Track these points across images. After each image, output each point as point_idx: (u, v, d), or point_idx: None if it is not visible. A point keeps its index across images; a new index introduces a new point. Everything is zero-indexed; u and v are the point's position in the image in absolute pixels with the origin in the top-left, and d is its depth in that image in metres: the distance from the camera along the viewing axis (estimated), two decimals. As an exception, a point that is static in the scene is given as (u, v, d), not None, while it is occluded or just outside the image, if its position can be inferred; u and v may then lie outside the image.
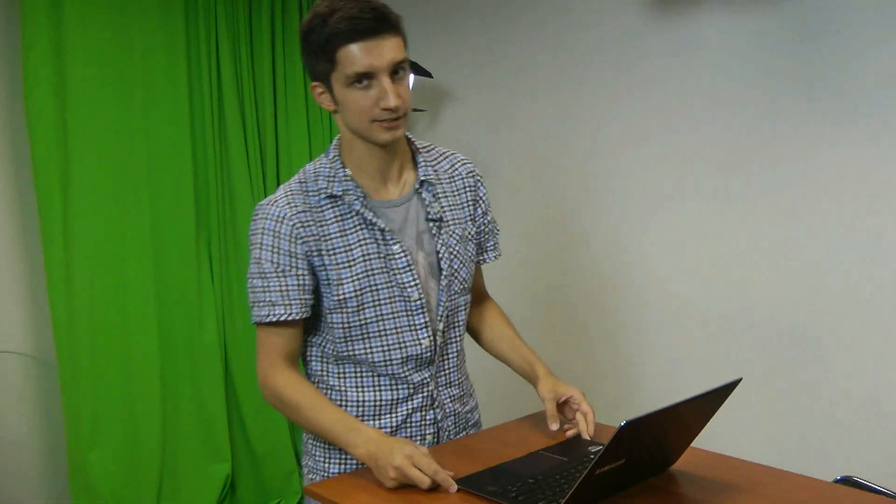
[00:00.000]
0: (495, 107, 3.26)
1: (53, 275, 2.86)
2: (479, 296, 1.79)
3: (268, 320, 1.51)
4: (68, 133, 2.85)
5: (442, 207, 1.60)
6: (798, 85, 2.44)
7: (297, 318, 1.51)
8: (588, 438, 1.50)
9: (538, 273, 3.10)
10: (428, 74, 3.26)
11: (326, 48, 1.41)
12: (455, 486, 1.30)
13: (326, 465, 1.60)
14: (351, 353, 1.55)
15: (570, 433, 1.54)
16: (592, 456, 1.43)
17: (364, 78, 1.41)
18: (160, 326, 3.08)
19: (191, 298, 3.17)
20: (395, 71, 1.44)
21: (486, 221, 1.70)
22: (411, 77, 3.25)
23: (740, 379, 1.34)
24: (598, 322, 2.95)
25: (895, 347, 2.30)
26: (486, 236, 1.71)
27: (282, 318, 1.50)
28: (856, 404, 2.38)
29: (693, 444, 1.42)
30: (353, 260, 1.50)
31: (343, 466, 1.58)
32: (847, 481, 1.68)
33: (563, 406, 1.58)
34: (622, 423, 1.10)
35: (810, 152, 2.44)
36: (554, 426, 1.53)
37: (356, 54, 1.40)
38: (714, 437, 1.59)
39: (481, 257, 1.72)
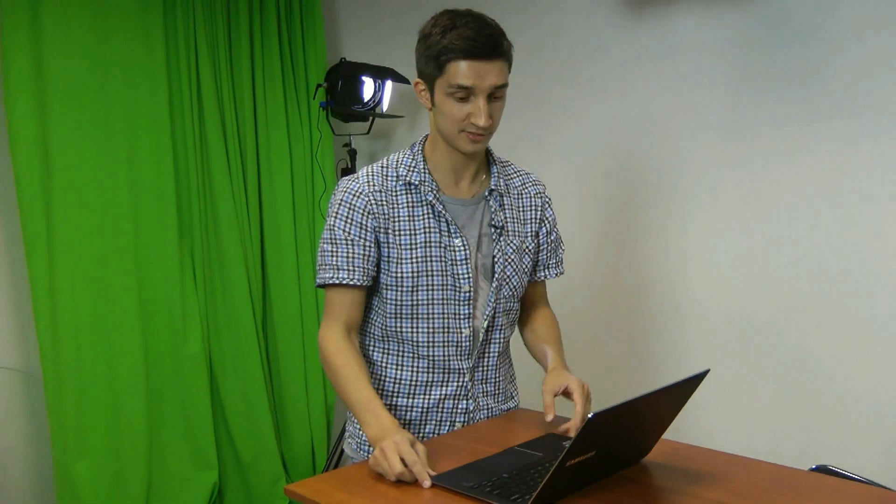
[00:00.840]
0: (473, 112, 3.28)
1: (37, 287, 2.86)
2: (538, 305, 1.90)
3: (331, 282, 1.63)
4: (50, 147, 2.86)
5: (506, 217, 1.73)
6: (771, 85, 2.49)
7: (358, 284, 1.63)
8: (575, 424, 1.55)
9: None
10: (406, 81, 3.28)
11: (439, 57, 1.54)
12: (429, 481, 1.33)
13: (361, 431, 1.66)
14: (398, 330, 1.67)
15: (561, 428, 1.60)
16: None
17: (464, 92, 1.54)
18: (144, 337, 3.09)
19: (174, 308, 3.17)
20: (493, 93, 1.56)
21: (549, 240, 1.82)
22: (389, 84, 3.29)
23: (708, 370, 1.37)
24: (590, 321, 2.98)
25: (876, 344, 2.34)
26: (550, 253, 1.83)
27: (343, 282, 1.62)
28: (842, 401, 2.42)
29: (670, 437, 1.45)
30: (416, 244, 1.64)
31: None
32: (822, 470, 1.71)
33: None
34: (590, 415, 1.13)
35: (785, 150, 2.48)
36: (548, 417, 1.58)
37: (463, 71, 1.53)
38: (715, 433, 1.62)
39: (544, 273, 1.84)
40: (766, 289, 2.55)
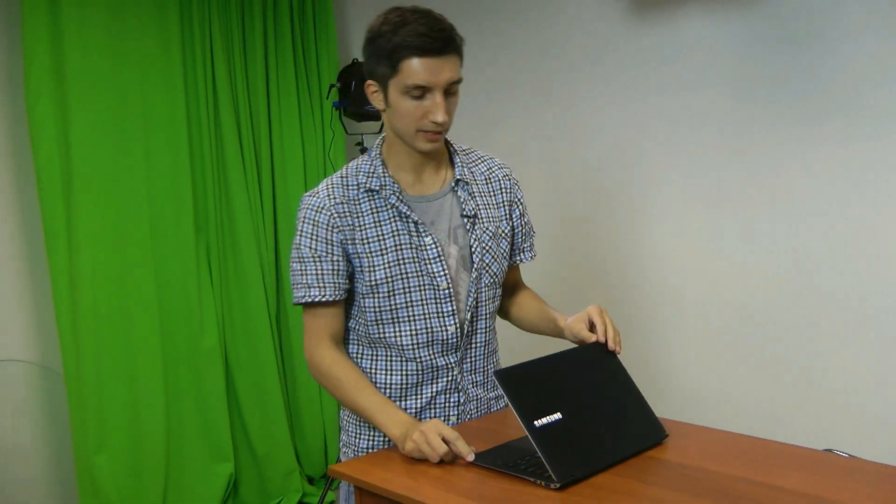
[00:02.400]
0: (484, 112, 3.37)
1: (58, 283, 2.93)
2: (516, 288, 1.90)
3: (304, 301, 1.64)
4: (70, 144, 2.93)
5: (477, 205, 1.70)
6: (772, 87, 2.57)
7: (331, 299, 1.63)
8: (615, 349, 1.58)
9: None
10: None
11: (391, 56, 1.51)
12: (472, 455, 1.41)
13: (358, 440, 1.73)
14: (382, 336, 1.67)
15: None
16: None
17: (420, 90, 1.52)
18: (162, 331, 3.16)
19: (191, 303, 3.25)
20: (449, 89, 1.55)
21: (522, 223, 1.81)
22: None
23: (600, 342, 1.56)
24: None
25: (871, 335, 2.43)
26: (523, 237, 1.82)
27: (316, 300, 1.62)
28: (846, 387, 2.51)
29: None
30: (386, 248, 1.62)
31: (371, 442, 1.71)
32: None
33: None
34: (495, 370, 1.34)
35: (785, 151, 2.56)
36: (596, 338, 1.59)
37: (418, 69, 1.50)
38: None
39: (518, 257, 1.83)
40: (766, 286, 2.63)
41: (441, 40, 1.51)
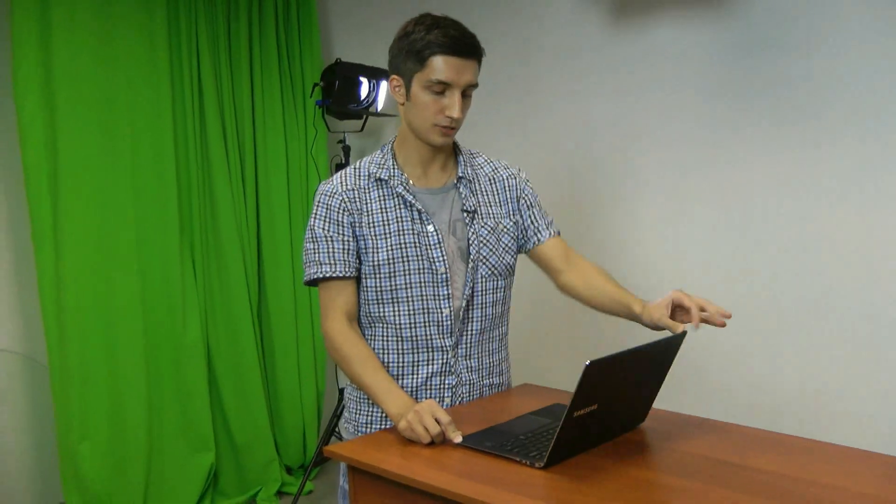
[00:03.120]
0: (463, 113, 3.46)
1: (44, 278, 2.97)
2: (571, 261, 1.91)
3: (315, 276, 1.77)
4: (57, 144, 2.97)
5: (478, 201, 1.84)
6: (739, 91, 2.70)
7: (341, 275, 1.76)
8: (722, 320, 1.57)
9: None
10: (400, 82, 3.44)
11: (422, 52, 1.67)
12: (459, 437, 1.51)
13: (357, 416, 1.84)
14: (381, 315, 1.79)
15: (685, 327, 1.58)
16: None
17: (441, 87, 1.67)
18: (146, 324, 3.21)
19: (175, 298, 3.30)
20: (466, 91, 1.71)
21: (532, 212, 1.91)
22: (384, 85, 3.45)
23: (685, 332, 1.55)
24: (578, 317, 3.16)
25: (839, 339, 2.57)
26: (537, 218, 1.91)
27: (328, 275, 1.75)
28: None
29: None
30: (390, 232, 1.76)
31: (370, 418, 1.83)
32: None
33: (675, 315, 1.63)
34: (587, 362, 1.32)
35: (751, 152, 2.70)
36: (683, 328, 1.58)
37: (444, 66, 1.66)
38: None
39: (542, 234, 1.90)
40: (730, 283, 2.76)
41: (468, 45, 1.68)
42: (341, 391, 3.70)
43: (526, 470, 1.39)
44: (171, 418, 3.31)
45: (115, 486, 3.12)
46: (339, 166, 3.64)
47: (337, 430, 3.64)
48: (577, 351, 3.16)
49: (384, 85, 3.49)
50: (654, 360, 1.56)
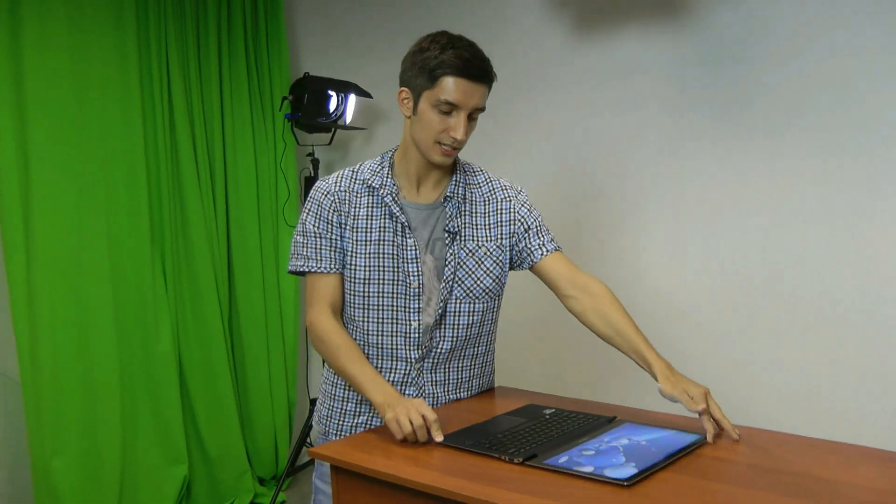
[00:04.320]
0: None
1: (15, 291, 2.97)
2: (579, 285, 1.86)
3: (299, 269, 1.84)
4: (29, 158, 2.97)
5: (463, 222, 1.85)
6: (702, 106, 2.80)
7: (324, 271, 1.82)
8: (734, 436, 1.57)
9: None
10: (368, 95, 3.51)
11: (434, 70, 1.69)
12: (441, 436, 1.57)
13: (329, 422, 1.91)
14: (351, 316, 1.84)
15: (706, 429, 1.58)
16: (547, 416, 1.73)
17: (449, 107, 1.70)
18: (118, 337, 3.22)
19: (147, 310, 3.31)
20: (473, 113, 1.74)
21: (530, 234, 1.88)
22: (352, 98, 3.51)
23: (705, 439, 1.56)
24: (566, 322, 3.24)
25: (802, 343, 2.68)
26: (535, 235, 1.88)
27: (312, 270, 1.82)
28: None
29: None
30: (370, 240, 1.80)
31: (340, 426, 1.89)
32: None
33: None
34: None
35: (714, 166, 2.80)
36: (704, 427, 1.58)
37: (454, 87, 1.69)
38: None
39: (541, 251, 1.87)
40: (699, 293, 2.87)
41: (480, 69, 1.71)
42: (313, 401, 3.74)
43: (505, 465, 1.45)
44: (145, 430, 3.32)
45: (88, 500, 3.11)
46: (309, 179, 3.69)
47: (309, 439, 3.68)
48: (550, 353, 3.25)
49: (352, 98, 3.55)
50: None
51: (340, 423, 1.89)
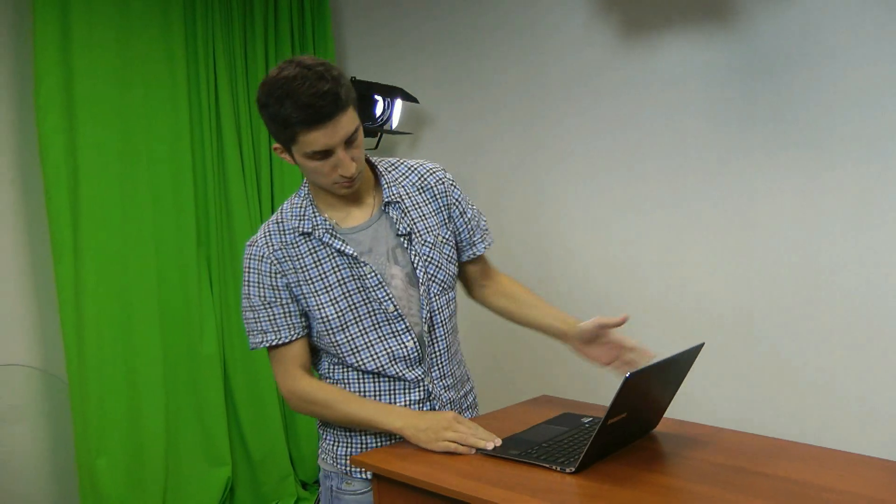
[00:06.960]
0: (474, 132, 3.51)
1: (63, 291, 3.01)
2: (490, 276, 1.93)
3: (260, 346, 1.71)
4: (77, 158, 3.01)
5: (412, 220, 1.74)
6: (745, 116, 2.73)
7: (287, 341, 1.70)
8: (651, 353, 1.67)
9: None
10: (414, 100, 3.49)
11: (285, 129, 1.53)
12: (492, 443, 1.53)
13: (336, 447, 1.79)
14: (344, 364, 1.74)
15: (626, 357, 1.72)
16: (587, 425, 1.68)
17: (321, 154, 1.56)
18: (163, 338, 3.24)
19: (192, 312, 3.34)
20: (349, 140, 1.57)
21: (465, 219, 1.82)
22: (399, 103, 3.49)
23: (703, 343, 1.59)
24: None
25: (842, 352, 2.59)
26: (470, 232, 1.84)
27: (273, 344, 1.70)
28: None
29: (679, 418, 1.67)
30: (330, 285, 1.68)
31: (349, 449, 1.78)
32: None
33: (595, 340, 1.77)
34: (627, 374, 1.35)
35: (754, 177, 2.73)
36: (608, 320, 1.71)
37: (313, 139, 1.52)
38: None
39: (472, 250, 1.85)
40: (736, 309, 2.79)
41: (326, 106, 1.49)
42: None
43: (553, 476, 1.41)
44: (189, 432, 3.34)
45: (132, 500, 3.13)
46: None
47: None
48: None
49: (398, 103, 3.53)
50: (678, 369, 1.59)
51: (349, 445, 1.79)
